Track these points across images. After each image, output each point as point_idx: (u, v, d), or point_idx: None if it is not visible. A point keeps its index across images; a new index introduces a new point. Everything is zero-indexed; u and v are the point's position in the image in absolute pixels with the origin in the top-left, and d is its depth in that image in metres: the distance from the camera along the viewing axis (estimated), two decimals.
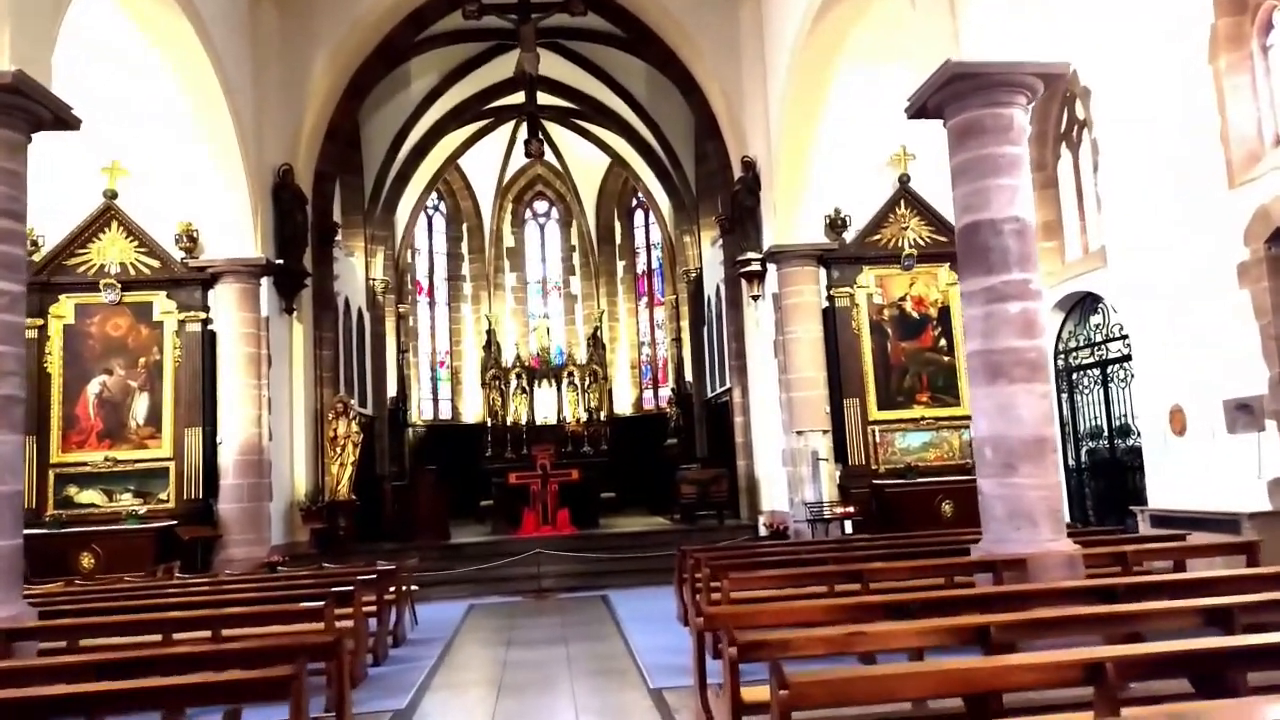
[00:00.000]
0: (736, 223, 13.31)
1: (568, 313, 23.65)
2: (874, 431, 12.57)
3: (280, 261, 12.39)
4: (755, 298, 13.38)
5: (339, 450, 12.99)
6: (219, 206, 11.86)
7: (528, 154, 15.99)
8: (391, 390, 19.06)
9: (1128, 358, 10.50)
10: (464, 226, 22.96)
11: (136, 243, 11.88)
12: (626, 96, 17.54)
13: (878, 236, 12.86)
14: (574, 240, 23.63)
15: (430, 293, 22.44)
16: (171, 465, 11.71)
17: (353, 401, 13.44)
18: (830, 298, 12.71)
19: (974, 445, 7.24)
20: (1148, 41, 9.47)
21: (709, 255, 17.67)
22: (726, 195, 14.33)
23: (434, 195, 22.39)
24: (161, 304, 11.90)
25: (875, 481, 12.27)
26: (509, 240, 23.51)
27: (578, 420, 20.87)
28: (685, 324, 20.24)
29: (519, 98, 18.71)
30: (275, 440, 12.26)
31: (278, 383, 12.45)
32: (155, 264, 11.89)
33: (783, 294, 12.63)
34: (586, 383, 21.03)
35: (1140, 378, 10.08)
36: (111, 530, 11.07)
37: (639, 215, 23.16)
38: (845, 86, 12.28)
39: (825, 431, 12.31)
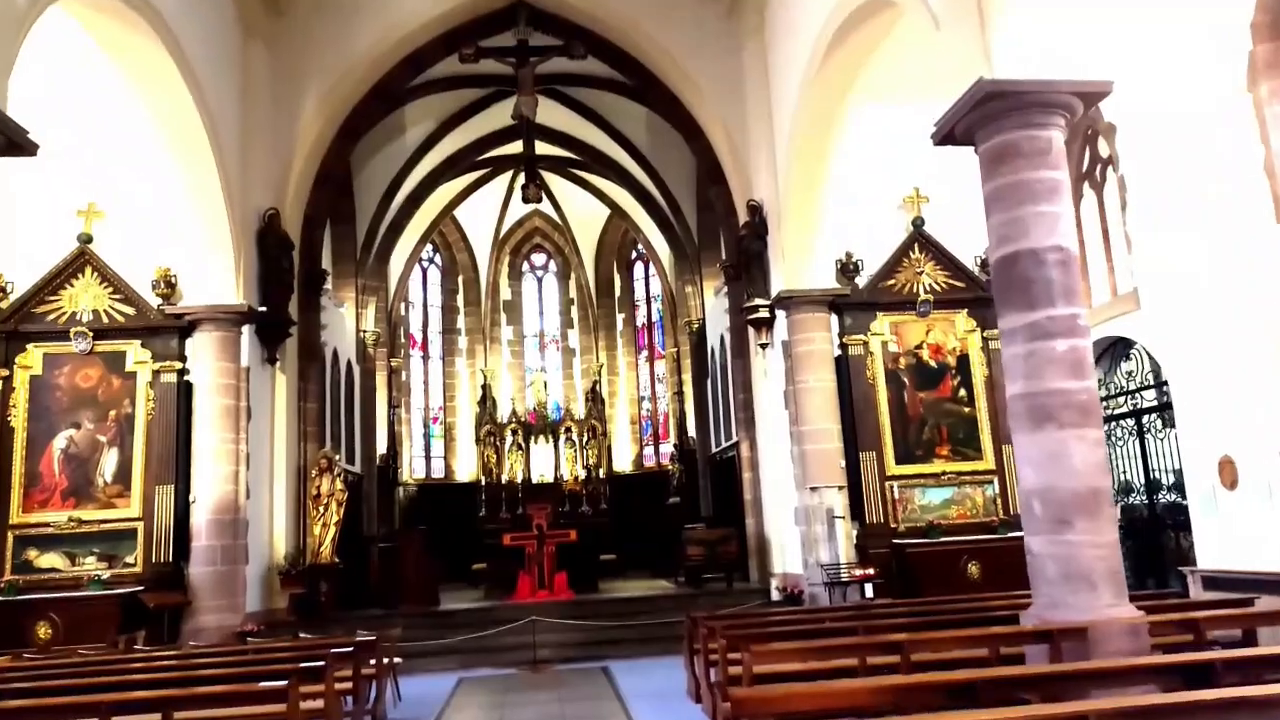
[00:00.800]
0: (743, 268, 12.73)
1: (565, 367, 23.00)
2: (892, 487, 11.80)
3: (263, 309, 11.76)
4: (764, 346, 12.73)
5: (322, 510, 12.19)
6: (199, 251, 11.25)
7: (525, 199, 15.49)
8: (381, 447, 18.28)
9: (1166, 406, 9.82)
10: (460, 279, 22.43)
11: (111, 289, 11.24)
12: (627, 144, 17.14)
13: (891, 282, 12.27)
14: (572, 293, 23.10)
15: (424, 346, 21.80)
16: (140, 526, 10.88)
17: (338, 457, 12.67)
18: (843, 345, 12.07)
19: (1021, 498, 6.51)
20: (1179, 71, 8.99)
21: (712, 305, 17.09)
22: (732, 241, 13.80)
23: (429, 247, 21.89)
24: (135, 353, 11.21)
25: (895, 541, 11.47)
26: (506, 293, 22.96)
27: (575, 478, 20.04)
28: (687, 377, 19.57)
29: (517, 147, 18.30)
30: (253, 499, 11.46)
31: (257, 437, 11.70)
32: (130, 311, 11.23)
33: (793, 341, 11.98)
34: (585, 439, 20.26)
35: (1183, 428, 9.38)
36: (71, 597, 10.20)
37: (639, 267, 22.66)
38: (856, 126, 11.83)
39: (840, 487, 11.55)
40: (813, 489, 11.59)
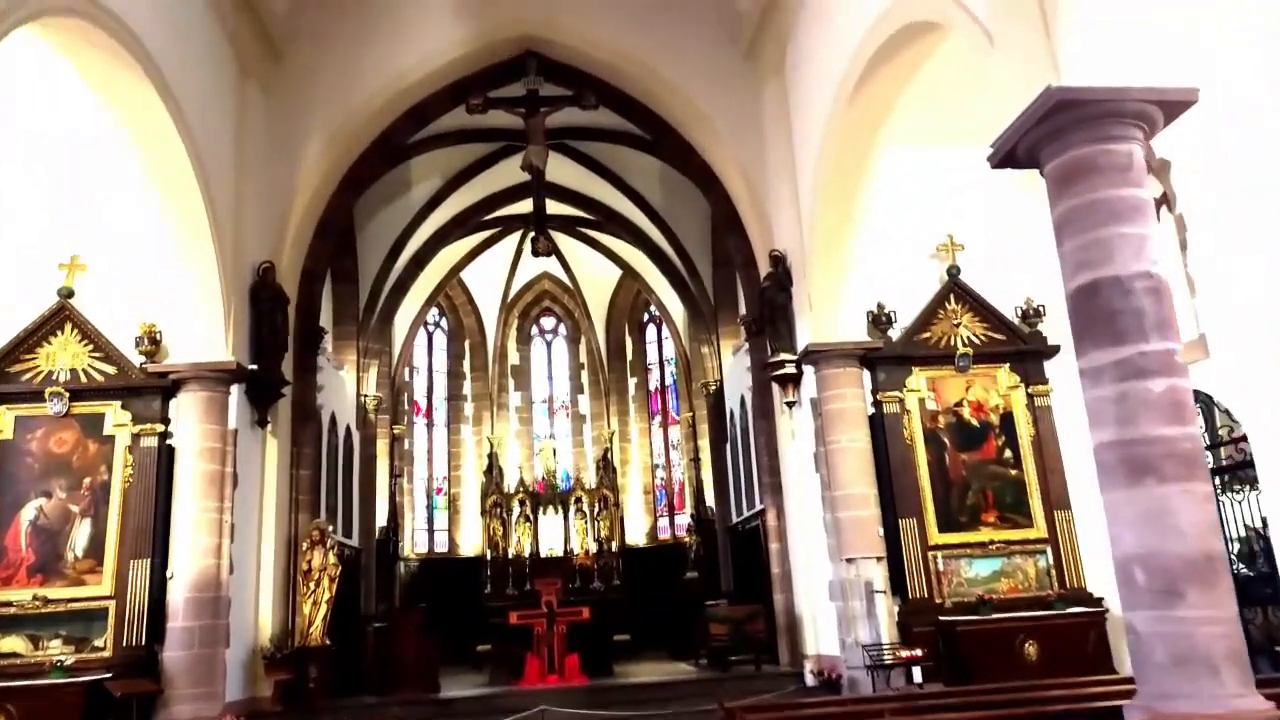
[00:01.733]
0: (766, 322, 11.93)
1: (575, 434, 22.08)
2: (936, 558, 10.76)
3: (254, 367, 10.96)
4: (790, 404, 11.84)
5: (313, 586, 11.18)
6: (187, 306, 10.52)
7: (535, 252, 14.82)
8: (382, 519, 17.28)
9: (1247, 464, 8.86)
10: (466, 343, 21.71)
11: (91, 346, 10.48)
12: (639, 200, 16.57)
13: (927, 334, 11.44)
14: (583, 357, 22.33)
15: (429, 413, 20.96)
16: (112, 605, 9.90)
17: (330, 529, 11.70)
18: (877, 403, 11.18)
19: (1117, 566, 5.54)
20: (1241, 100, 8.29)
21: (730, 366, 16.27)
22: (752, 295, 13.05)
23: (435, 310, 21.24)
24: (115, 415, 10.39)
25: (941, 618, 10.37)
26: (514, 358, 22.21)
27: (586, 552, 18.97)
28: (704, 443, 18.63)
29: (525, 206, 17.70)
30: (238, 574, 10.48)
31: (244, 506, 10.78)
32: (111, 370, 10.45)
33: (822, 399, 11.11)
34: (596, 509, 19.24)
35: (1269, 488, 8.40)
36: (31, 686, 9.13)
37: (651, 330, 21.93)
38: (885, 169, 11.18)
39: (879, 558, 10.54)
40: (849, 560, 10.58)
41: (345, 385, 15.49)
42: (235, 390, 10.70)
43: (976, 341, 11.40)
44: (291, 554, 11.56)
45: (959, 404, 11.32)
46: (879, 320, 11.37)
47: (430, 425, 20.93)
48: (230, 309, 10.63)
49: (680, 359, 20.04)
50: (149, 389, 10.44)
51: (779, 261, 11.94)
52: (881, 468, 10.93)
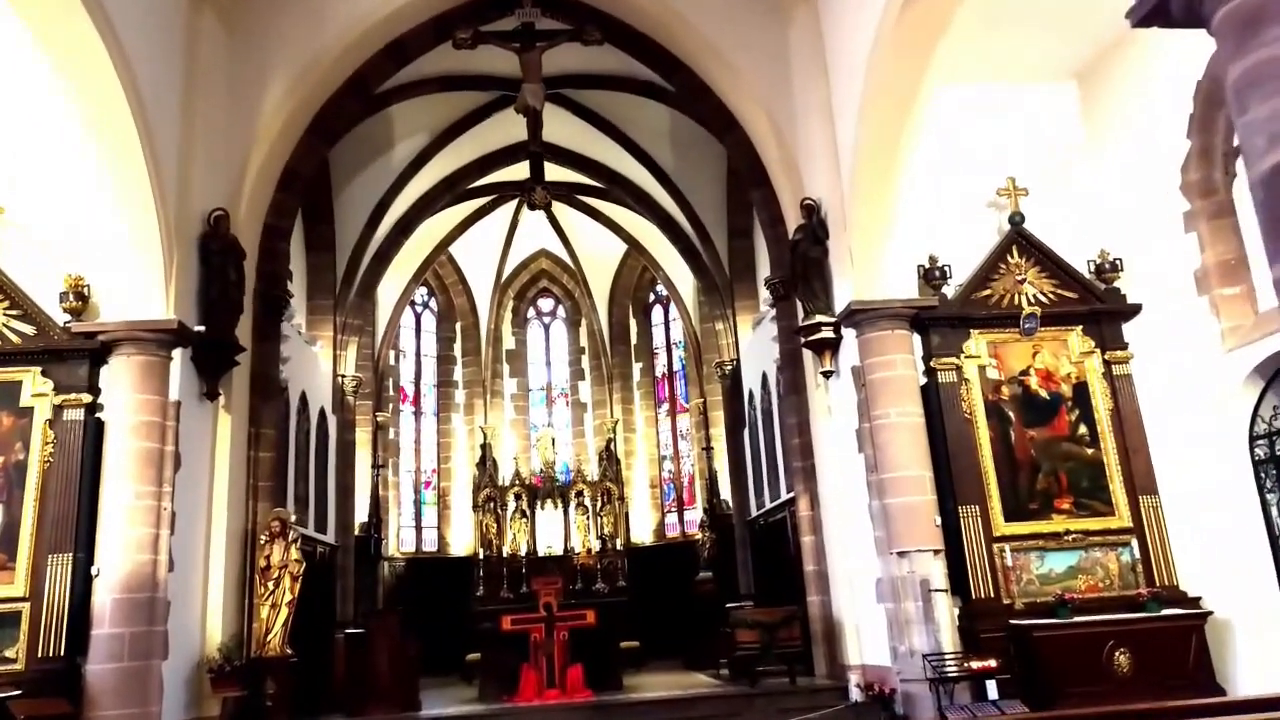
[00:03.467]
0: (798, 280, 10.32)
1: (576, 424, 20.44)
2: (1003, 551, 9.17)
3: (201, 329, 9.34)
4: (827, 375, 10.24)
5: (271, 585, 9.55)
6: (121, 257, 8.90)
7: (532, 205, 13.28)
8: (362, 515, 15.68)
9: None
10: (457, 326, 20.07)
11: (6, 303, 8.89)
12: (646, 160, 14.97)
13: (987, 292, 9.86)
14: (583, 341, 20.70)
15: (416, 401, 19.32)
16: (25, 609, 8.30)
17: (292, 518, 10.06)
18: (930, 370, 9.60)
19: None
20: None
21: (748, 343, 14.67)
22: (779, 253, 11.45)
23: (422, 290, 19.64)
24: (34, 383, 8.79)
25: (1013, 621, 8.78)
26: (509, 342, 20.57)
27: (589, 550, 17.34)
28: (716, 432, 17.05)
29: (521, 170, 16.20)
30: (179, 572, 8.85)
31: (190, 492, 9.17)
32: (29, 330, 8.85)
33: (866, 367, 9.51)
34: (599, 504, 17.62)
35: None
36: None
37: (657, 311, 20.31)
38: (937, 107, 9.67)
39: (937, 552, 8.93)
40: (900, 554, 8.97)
41: (319, 363, 13.88)
42: (178, 355, 9.08)
43: (1044, 300, 9.82)
44: (248, 549, 9.93)
45: (1025, 372, 9.75)
46: (931, 275, 9.78)
47: (418, 413, 19.29)
48: (173, 261, 9.00)
49: (690, 341, 18.42)
50: (74, 352, 8.83)
51: (812, 211, 10.34)
52: (937, 446, 9.35)
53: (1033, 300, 9.78)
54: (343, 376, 14.50)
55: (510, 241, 19.11)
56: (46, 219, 9.06)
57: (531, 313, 21.02)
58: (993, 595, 9.02)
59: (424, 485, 19.02)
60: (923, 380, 9.60)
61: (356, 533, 15.07)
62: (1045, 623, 8.61)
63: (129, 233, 8.82)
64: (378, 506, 16.26)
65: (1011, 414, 9.61)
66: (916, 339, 9.71)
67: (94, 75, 7.98)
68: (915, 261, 9.81)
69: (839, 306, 9.98)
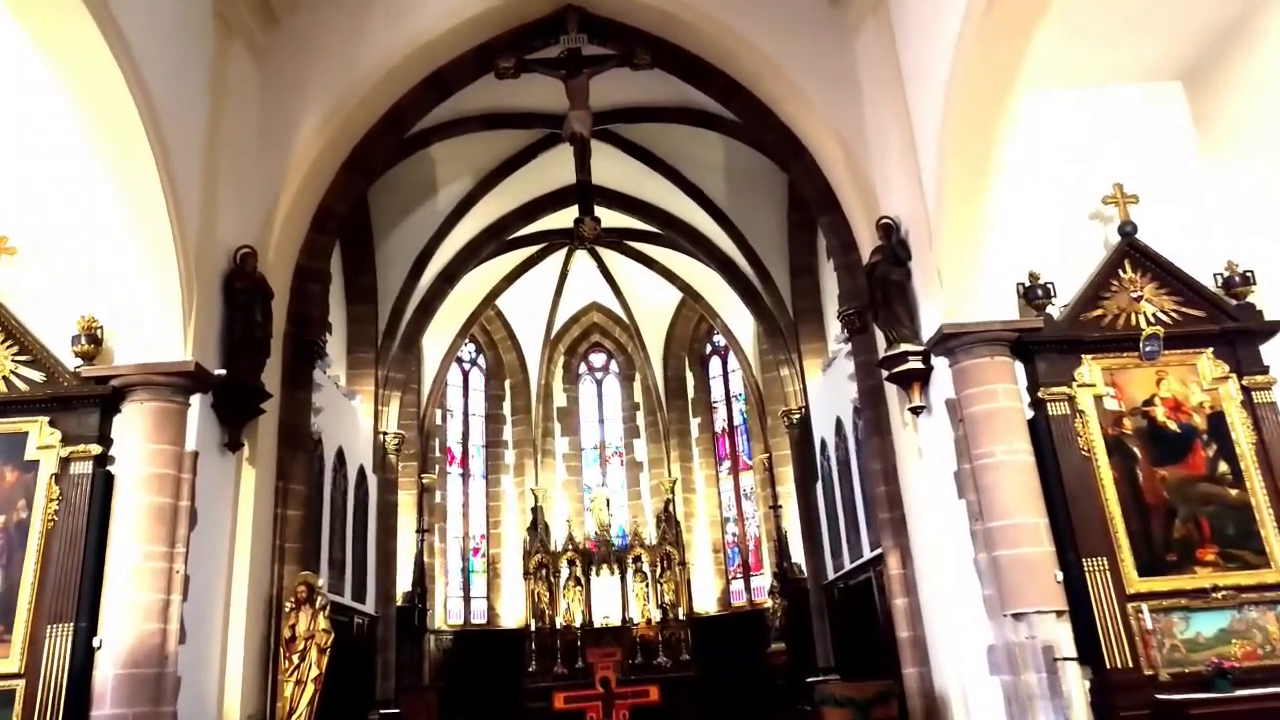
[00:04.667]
0: (878, 307, 9.21)
1: (631, 484, 19.30)
2: (1140, 612, 7.75)
3: (222, 372, 8.54)
4: (916, 411, 9.04)
5: (296, 659, 8.54)
6: (137, 296, 8.19)
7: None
8: (405, 583, 14.68)
9: None
10: (506, 383, 19.24)
11: (16, 347, 8.19)
12: (700, 198, 14.18)
13: (1098, 311, 8.63)
14: (638, 397, 19.70)
15: (464, 462, 18.41)
16: (20, 686, 7.38)
17: (319, 584, 9.07)
18: (1038, 402, 8.35)
19: None
20: None
21: (818, 388, 13.52)
22: (852, 283, 10.39)
23: (470, 347, 18.93)
24: (40, 434, 8.02)
25: (1160, 696, 7.33)
26: (560, 399, 19.67)
27: (648, 621, 16.10)
28: (783, 489, 15.78)
29: (569, 217, 15.51)
30: (192, 643, 7.89)
31: (207, 554, 8.26)
32: (38, 377, 8.13)
33: (963, 399, 8.30)
34: (658, 570, 16.44)
35: None
36: None
37: (715, 363, 19.28)
38: (1029, 110, 8.68)
39: (1060, 613, 7.58)
40: (1015, 617, 7.63)
41: (359, 419, 13.07)
42: (197, 401, 8.27)
43: (1165, 320, 8.56)
44: (273, 618, 8.94)
45: (1149, 402, 8.43)
46: (1033, 294, 8.60)
47: (465, 475, 18.35)
48: (192, 299, 8.25)
49: (751, 392, 17.29)
50: (85, 399, 8.06)
51: (891, 230, 9.28)
52: (1051, 489, 8.04)
53: (1152, 320, 8.54)
54: (384, 434, 13.66)
55: (560, 293, 18.36)
56: (60, 257, 8.44)
57: (583, 368, 20.15)
58: (1131, 664, 7.58)
59: (472, 552, 17.97)
60: (1029, 414, 8.35)
61: (399, 603, 14.04)
62: (1205, 697, 7.15)
63: (146, 270, 8.10)
64: (423, 574, 15.24)
65: (1137, 450, 8.27)
66: (1019, 368, 8.50)
67: (110, 103, 7.32)
68: (1013, 280, 8.66)
69: (926, 333, 8.84)
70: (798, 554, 14.69)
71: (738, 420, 18.53)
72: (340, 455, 11.81)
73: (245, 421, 8.84)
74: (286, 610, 8.80)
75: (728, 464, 18.60)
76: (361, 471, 12.79)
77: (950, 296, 8.53)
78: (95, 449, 7.95)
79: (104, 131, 7.55)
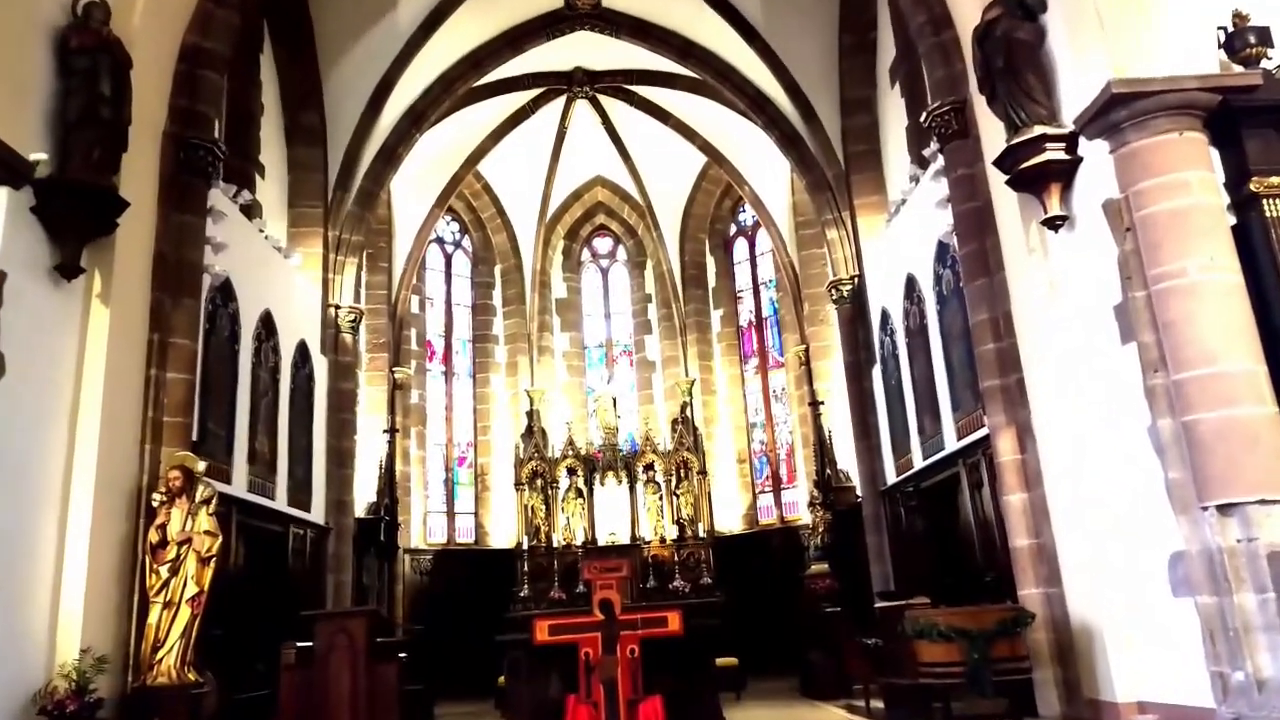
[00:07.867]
0: (1002, 80, 6.41)
1: (642, 388, 16.72)
2: None
3: (43, 157, 5.86)
4: (1055, 224, 6.32)
5: (165, 571, 6.02)
6: None
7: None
8: (370, 494, 12.25)
9: None
10: (496, 270, 16.54)
11: None
12: (729, 12, 11.26)
13: None
14: (650, 287, 16.98)
15: (446, 358, 15.82)
16: None
17: (201, 467, 6.49)
18: (1249, 199, 5.58)
19: None
20: None
21: (876, 250, 10.78)
22: (946, 70, 7.61)
23: (454, 227, 16.24)
24: None
25: None
26: (559, 289, 16.99)
27: (662, 539, 13.68)
28: (822, 385, 13.13)
29: (567, 51, 12.73)
30: (6, 545, 5.37)
31: (25, 421, 5.70)
32: None
33: (1135, 196, 5.59)
34: (674, 481, 13.96)
35: None
36: None
37: (741, 246, 16.50)
38: None
39: None
40: (1221, 509, 5.02)
41: (299, 282, 10.44)
42: (4, 196, 5.63)
43: None
44: (140, 519, 6.41)
45: None
46: (1240, 42, 5.78)
47: (449, 374, 15.78)
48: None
49: (786, 274, 14.52)
50: None
51: None
52: (1273, 320, 5.36)
53: None
54: (336, 307, 11.04)
55: (557, 158, 15.50)
56: None
57: (586, 255, 17.39)
58: None
59: (457, 461, 15.48)
60: (1231, 219, 5.62)
61: (361, 514, 11.60)
62: None
63: None
64: (393, 483, 12.77)
65: None
66: (1214, 153, 5.73)
67: None
68: (1210, 21, 5.84)
69: (1070, 111, 6.08)
70: (844, 460, 12.13)
71: (767, 311, 15.82)
72: (268, 321, 9.22)
73: (89, 239, 6.19)
74: (157, 503, 6.27)
75: (755, 362, 15.95)
76: (304, 349, 10.22)
77: (1116, 46, 5.76)
78: None
79: None
